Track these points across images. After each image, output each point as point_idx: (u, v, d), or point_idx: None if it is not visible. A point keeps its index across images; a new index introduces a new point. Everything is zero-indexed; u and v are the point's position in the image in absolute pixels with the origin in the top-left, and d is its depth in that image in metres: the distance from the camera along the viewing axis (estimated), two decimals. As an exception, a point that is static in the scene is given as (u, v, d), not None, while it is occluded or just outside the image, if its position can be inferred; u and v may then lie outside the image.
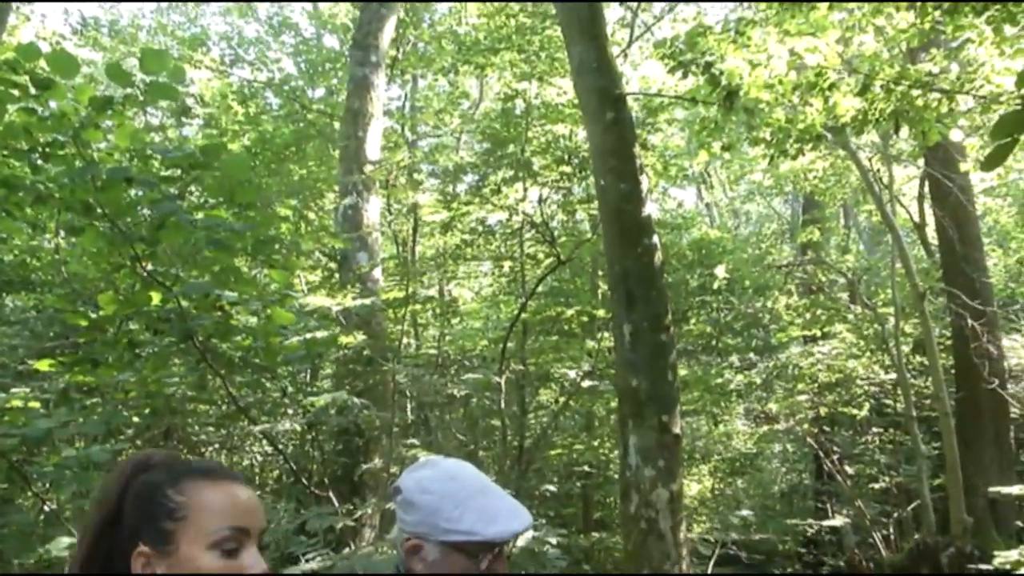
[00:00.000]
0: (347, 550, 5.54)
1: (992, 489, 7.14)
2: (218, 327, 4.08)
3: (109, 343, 3.95)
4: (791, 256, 13.54)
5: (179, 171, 3.66)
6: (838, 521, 11.04)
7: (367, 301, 6.61)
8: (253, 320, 4.65)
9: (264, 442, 6.85)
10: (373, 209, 8.81)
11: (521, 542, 5.90)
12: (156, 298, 3.75)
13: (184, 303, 3.84)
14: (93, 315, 3.93)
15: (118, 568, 1.11)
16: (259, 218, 3.91)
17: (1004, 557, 6.54)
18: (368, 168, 8.72)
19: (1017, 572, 6.45)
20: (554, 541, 6.44)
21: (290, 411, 6.44)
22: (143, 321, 4.03)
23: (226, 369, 4.46)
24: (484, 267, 12.93)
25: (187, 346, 4.08)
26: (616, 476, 8.11)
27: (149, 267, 3.72)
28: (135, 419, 4.52)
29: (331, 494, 5.73)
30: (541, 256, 10.53)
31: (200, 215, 3.73)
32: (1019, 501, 8.16)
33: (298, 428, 6.21)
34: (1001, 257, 12.97)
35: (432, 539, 1.59)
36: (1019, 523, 8.64)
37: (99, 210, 3.42)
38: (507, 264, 11.44)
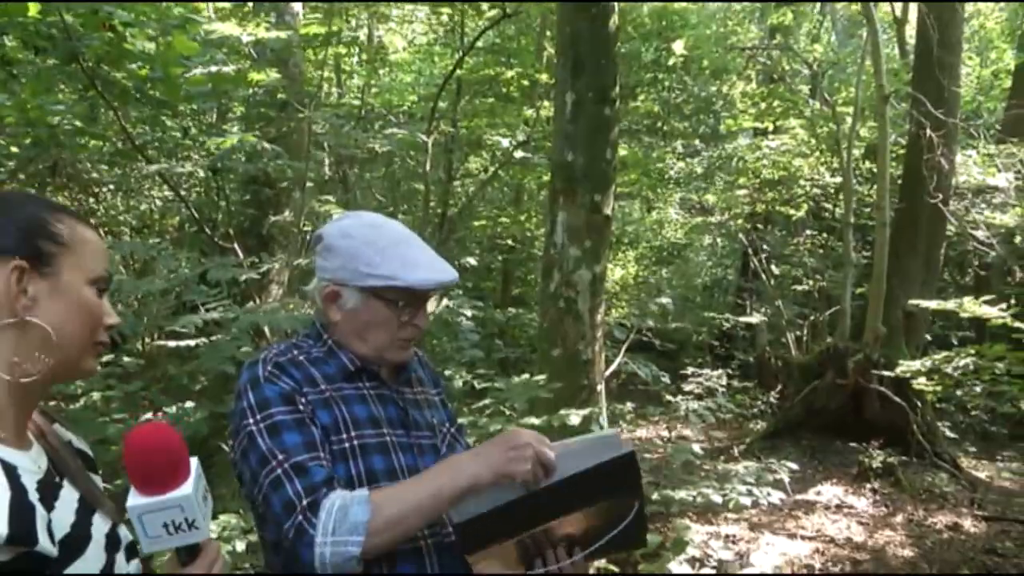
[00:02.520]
0: (251, 304, 5.62)
1: (912, 301, 7.62)
2: (109, 50, 3.82)
3: (-22, 56, 3.66)
4: (757, 39, 13.26)
5: None
6: (755, 318, 11.78)
7: (283, 34, 6.24)
8: (151, 47, 4.36)
9: (165, 187, 6.68)
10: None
11: (434, 306, 6.08)
12: (33, 9, 3.44)
13: (69, 18, 3.54)
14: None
15: None
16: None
17: (906, 366, 7.13)
18: None
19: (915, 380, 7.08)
20: (469, 313, 6.69)
21: (195, 156, 6.23)
22: (19, 35, 3.73)
23: (119, 100, 4.22)
24: (420, 13, 12.27)
25: (73, 70, 3.82)
26: (540, 254, 8.32)
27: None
28: (14, 149, 4.30)
29: (236, 246, 5.71)
30: (485, 6, 10.02)
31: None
32: (933, 315, 8.78)
33: (201, 173, 6.05)
34: (976, 67, 13.00)
35: (351, 284, 1.62)
36: (928, 336, 9.37)
37: None
38: (446, 12, 10.89)
